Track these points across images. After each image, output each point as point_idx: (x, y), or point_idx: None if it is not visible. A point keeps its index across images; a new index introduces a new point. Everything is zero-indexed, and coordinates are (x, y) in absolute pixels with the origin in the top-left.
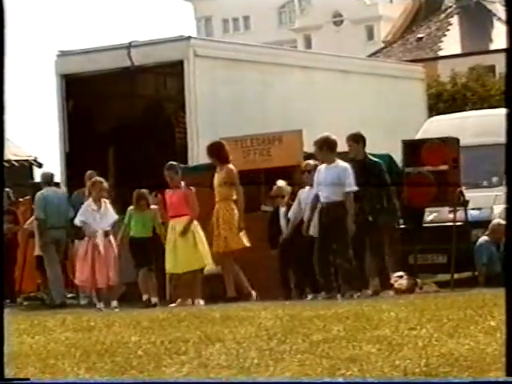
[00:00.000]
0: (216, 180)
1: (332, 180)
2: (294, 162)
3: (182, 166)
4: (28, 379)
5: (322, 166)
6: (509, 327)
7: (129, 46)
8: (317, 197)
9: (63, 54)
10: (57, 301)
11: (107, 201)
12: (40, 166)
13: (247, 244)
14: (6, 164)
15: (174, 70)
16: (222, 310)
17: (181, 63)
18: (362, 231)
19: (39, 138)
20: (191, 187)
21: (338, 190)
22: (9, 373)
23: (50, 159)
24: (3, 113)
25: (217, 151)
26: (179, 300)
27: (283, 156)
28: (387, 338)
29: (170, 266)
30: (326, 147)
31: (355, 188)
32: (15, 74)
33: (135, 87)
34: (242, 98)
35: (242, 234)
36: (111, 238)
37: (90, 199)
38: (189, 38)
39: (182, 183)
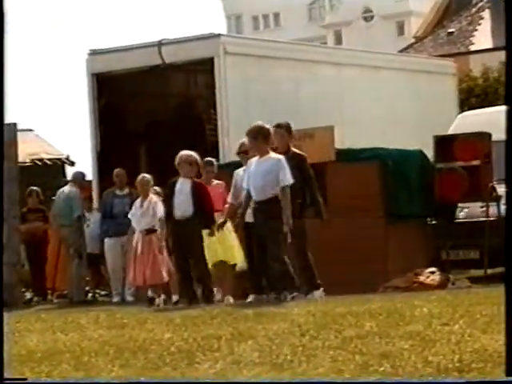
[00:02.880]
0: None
1: (264, 175)
2: (326, 159)
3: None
4: (25, 379)
5: (254, 160)
6: (509, 327)
7: (159, 44)
8: (248, 194)
9: (94, 53)
10: (75, 299)
11: (155, 198)
12: (72, 164)
13: None
14: (38, 162)
15: (205, 67)
16: (255, 306)
17: (211, 60)
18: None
19: (71, 137)
20: (223, 183)
21: (270, 185)
22: (43, 369)
23: (82, 158)
24: (3, 112)
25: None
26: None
27: (314, 152)
28: (420, 334)
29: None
30: (262, 137)
31: (291, 181)
32: (48, 73)
33: (166, 85)
34: (273, 95)
35: None
36: (153, 235)
37: (140, 197)
38: (219, 35)
39: (215, 180)
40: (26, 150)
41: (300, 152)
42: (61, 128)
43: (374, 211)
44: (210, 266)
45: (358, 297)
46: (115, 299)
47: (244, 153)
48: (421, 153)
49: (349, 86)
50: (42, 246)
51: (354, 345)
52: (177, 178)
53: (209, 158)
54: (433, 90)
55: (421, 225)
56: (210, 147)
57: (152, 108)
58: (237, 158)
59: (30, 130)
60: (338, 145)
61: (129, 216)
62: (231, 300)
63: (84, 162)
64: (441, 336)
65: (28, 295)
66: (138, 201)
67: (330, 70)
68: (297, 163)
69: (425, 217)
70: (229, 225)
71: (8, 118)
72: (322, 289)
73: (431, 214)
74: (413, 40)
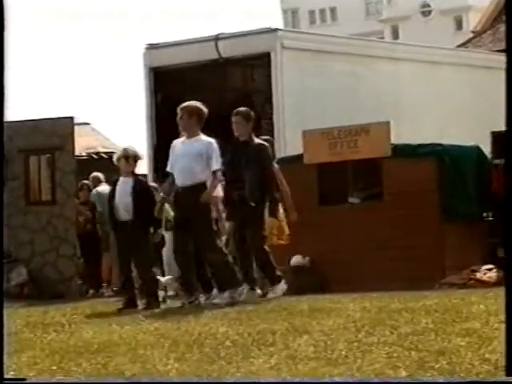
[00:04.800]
0: None
1: (191, 158)
2: (382, 154)
3: None
4: (24, 379)
5: (178, 141)
6: (509, 327)
7: (216, 39)
8: (172, 180)
9: (152, 47)
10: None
11: None
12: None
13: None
14: (94, 156)
15: (261, 61)
16: (310, 301)
17: (268, 55)
18: (242, 219)
19: (128, 131)
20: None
21: (200, 169)
22: (100, 361)
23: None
24: (3, 112)
25: None
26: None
27: (370, 147)
28: (477, 331)
29: None
30: (196, 117)
31: (220, 167)
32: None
33: (222, 79)
34: (329, 90)
35: None
36: None
37: None
38: (276, 29)
39: None
40: (83, 144)
41: (261, 141)
42: (117, 122)
43: (431, 207)
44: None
45: (413, 293)
46: (170, 293)
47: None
48: (478, 149)
49: (406, 81)
50: (92, 240)
51: (409, 341)
52: (118, 177)
53: None
54: (492, 85)
55: (477, 221)
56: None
57: (208, 102)
58: (293, 152)
59: (87, 124)
60: (395, 140)
61: None
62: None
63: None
64: (498, 333)
65: (83, 287)
66: None
67: (387, 65)
68: (256, 153)
69: (481, 213)
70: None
71: (65, 112)
72: (283, 281)
73: (488, 211)
74: (471, 35)
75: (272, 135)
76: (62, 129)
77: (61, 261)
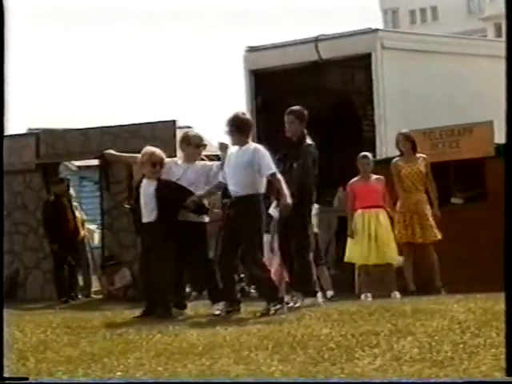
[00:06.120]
0: (409, 170)
1: (241, 168)
2: (485, 154)
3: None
4: (27, 378)
5: (233, 151)
6: (509, 327)
7: (316, 40)
8: (225, 188)
9: (252, 50)
10: None
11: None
12: None
13: (439, 237)
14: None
15: (362, 62)
16: (413, 303)
17: (368, 56)
18: (286, 221)
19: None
20: (382, 177)
21: (250, 181)
22: (204, 362)
23: None
24: (3, 113)
25: (412, 140)
26: (369, 294)
27: (473, 148)
28: None
29: (362, 258)
30: (235, 128)
31: (275, 169)
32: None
33: (323, 81)
34: (431, 90)
35: (434, 227)
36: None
37: None
38: (376, 30)
39: (374, 175)
40: None
41: (312, 142)
42: (219, 125)
43: None
44: (371, 264)
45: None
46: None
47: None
48: None
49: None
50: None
51: None
52: (141, 179)
53: (365, 153)
54: None
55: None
56: (366, 143)
57: (309, 104)
58: (395, 153)
59: (189, 127)
60: (498, 140)
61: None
62: (398, 295)
63: None
64: None
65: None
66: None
67: (489, 64)
68: (307, 153)
69: None
70: (382, 218)
71: (168, 116)
72: (319, 295)
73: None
74: None
75: (373, 136)
76: (163, 132)
77: None
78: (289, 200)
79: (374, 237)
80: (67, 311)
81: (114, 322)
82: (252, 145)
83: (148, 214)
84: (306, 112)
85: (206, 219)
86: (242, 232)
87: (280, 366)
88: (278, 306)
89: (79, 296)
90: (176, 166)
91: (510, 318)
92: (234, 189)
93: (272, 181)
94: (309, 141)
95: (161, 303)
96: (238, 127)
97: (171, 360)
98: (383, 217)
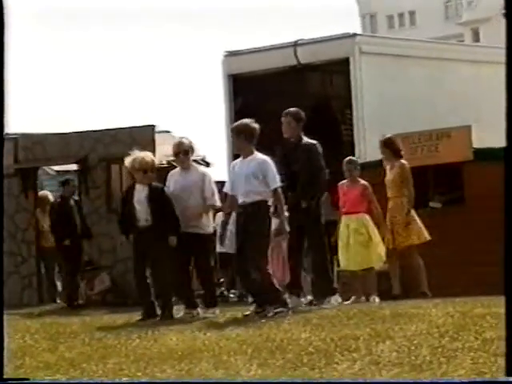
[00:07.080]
0: (390, 176)
1: (248, 178)
2: (463, 158)
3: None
4: (28, 379)
5: (237, 161)
6: (509, 328)
7: (295, 45)
8: (233, 198)
9: (230, 54)
10: None
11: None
12: (208, 165)
13: (416, 242)
14: (175, 164)
15: (340, 67)
16: (392, 307)
17: (347, 60)
18: (298, 222)
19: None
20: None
21: (255, 190)
22: (183, 367)
23: (218, 159)
24: (3, 113)
25: (392, 146)
26: (353, 297)
27: (452, 152)
28: None
29: (344, 263)
30: (244, 136)
31: (280, 184)
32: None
33: (301, 85)
34: (409, 95)
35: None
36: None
37: None
38: (354, 35)
39: (361, 180)
40: (163, 152)
41: (311, 141)
42: (197, 129)
43: None
44: (355, 269)
45: (497, 298)
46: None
47: (184, 153)
48: None
49: (487, 85)
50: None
51: (495, 346)
52: (132, 184)
53: (351, 157)
54: None
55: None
56: (345, 147)
57: (287, 108)
58: (374, 158)
59: (168, 132)
60: (476, 144)
61: None
62: (377, 300)
63: (220, 163)
64: None
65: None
66: None
67: (467, 69)
68: (306, 153)
69: None
70: (362, 223)
71: (146, 120)
72: (337, 294)
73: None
74: None
75: (352, 141)
76: (142, 137)
77: None
78: (287, 228)
79: (351, 243)
80: (46, 316)
81: (92, 327)
82: (258, 155)
83: (142, 219)
84: (302, 113)
85: (210, 229)
86: (247, 236)
87: (259, 370)
88: (280, 309)
89: (57, 301)
90: (176, 175)
91: (510, 318)
92: (240, 199)
93: (274, 195)
94: (310, 140)
95: (162, 305)
96: (246, 135)
97: (150, 365)
98: (363, 222)
